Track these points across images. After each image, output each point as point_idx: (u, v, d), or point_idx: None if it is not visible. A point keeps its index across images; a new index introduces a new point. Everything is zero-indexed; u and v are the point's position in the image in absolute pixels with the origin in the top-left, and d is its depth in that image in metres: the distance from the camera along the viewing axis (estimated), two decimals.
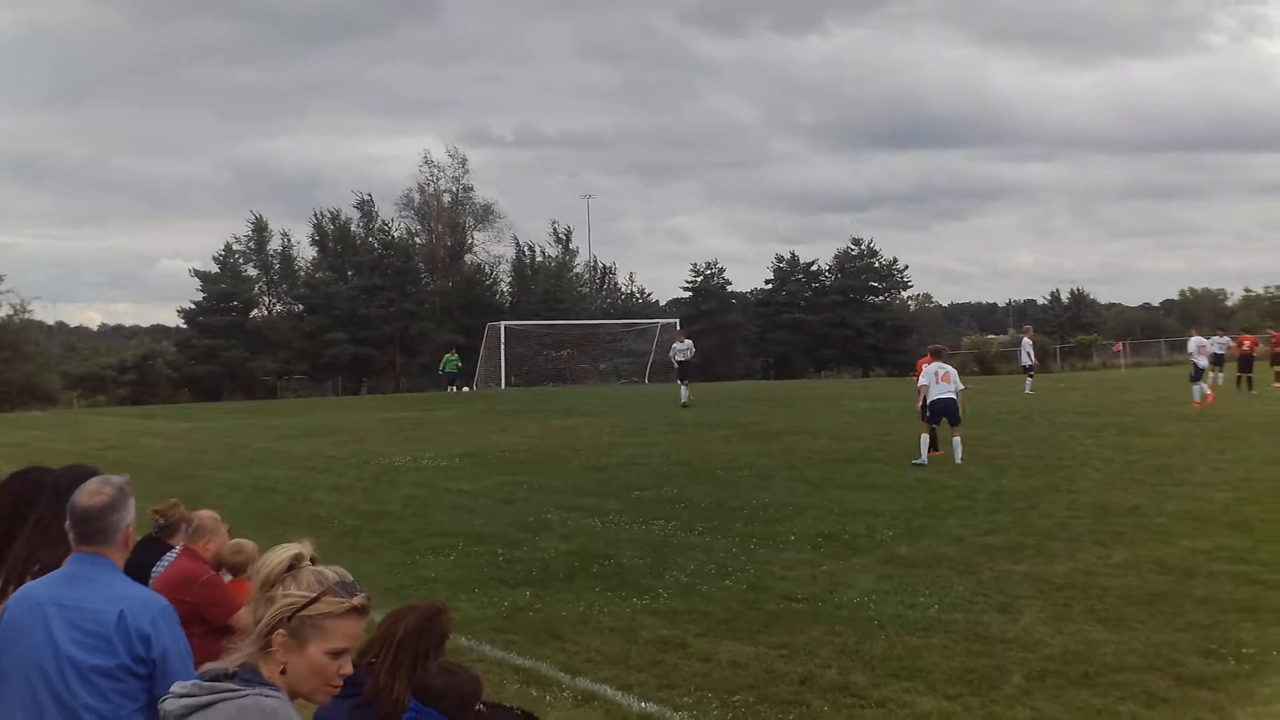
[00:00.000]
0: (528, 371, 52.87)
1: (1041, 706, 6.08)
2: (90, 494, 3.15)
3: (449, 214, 65.81)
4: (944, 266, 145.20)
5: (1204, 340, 26.25)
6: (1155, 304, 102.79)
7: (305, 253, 63.60)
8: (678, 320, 55.30)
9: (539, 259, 67.87)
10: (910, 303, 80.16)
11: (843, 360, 68.72)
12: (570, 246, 69.54)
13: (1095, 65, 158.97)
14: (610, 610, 8.45)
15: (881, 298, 71.99)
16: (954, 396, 16.53)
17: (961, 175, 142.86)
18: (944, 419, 16.53)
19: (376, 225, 64.12)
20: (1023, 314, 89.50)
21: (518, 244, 68.04)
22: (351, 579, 2.31)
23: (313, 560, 2.29)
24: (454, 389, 46.19)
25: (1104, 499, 12.65)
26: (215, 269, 59.33)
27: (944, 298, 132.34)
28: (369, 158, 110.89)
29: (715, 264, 71.77)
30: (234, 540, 5.76)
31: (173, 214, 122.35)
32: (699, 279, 71.07)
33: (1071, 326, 72.08)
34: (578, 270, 70.03)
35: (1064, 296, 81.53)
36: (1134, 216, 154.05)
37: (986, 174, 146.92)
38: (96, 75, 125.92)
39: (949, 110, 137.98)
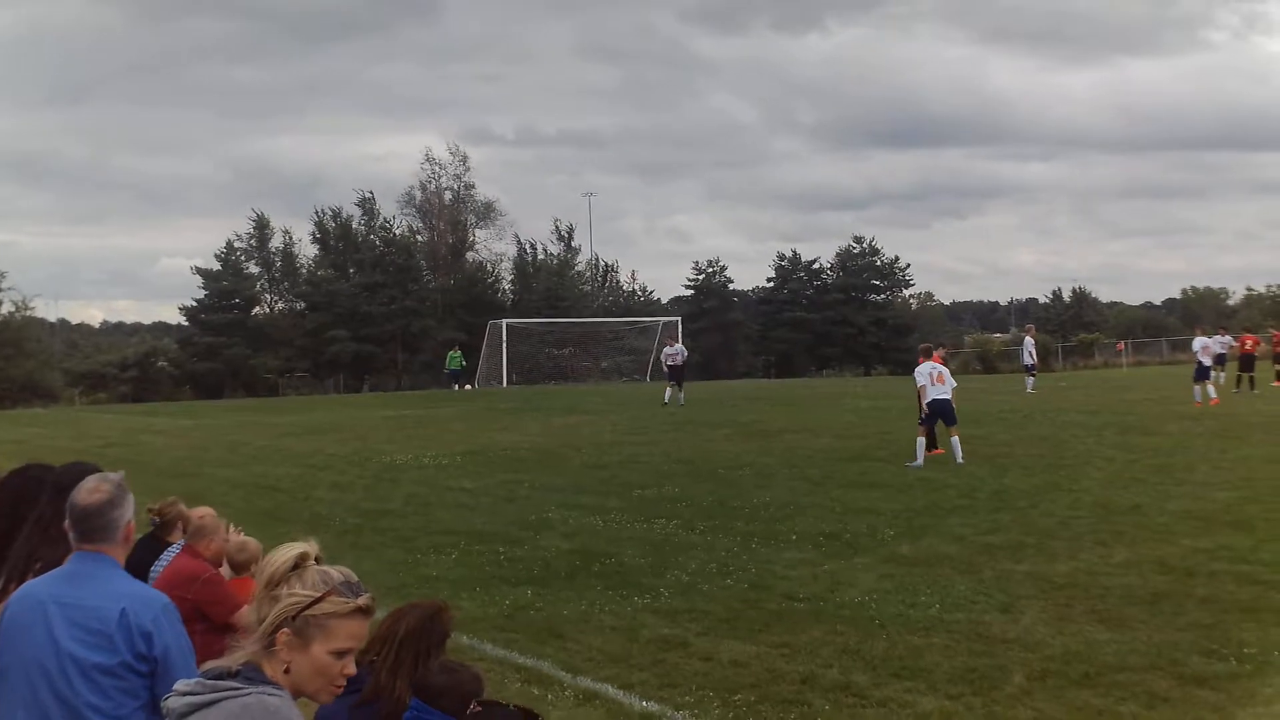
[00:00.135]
0: (529, 369, 52.89)
1: (1043, 706, 6.07)
2: (89, 492, 3.15)
3: (450, 211, 65.78)
4: (945, 265, 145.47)
5: (1208, 340, 26.23)
6: (1157, 303, 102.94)
7: (307, 250, 63.70)
8: (679, 319, 55.36)
9: (541, 257, 67.91)
10: (912, 301, 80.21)
11: (844, 359, 68.72)
12: (572, 245, 69.64)
13: (1095, 64, 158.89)
14: (611, 609, 8.45)
15: (883, 296, 71.97)
16: (949, 397, 16.49)
17: (962, 174, 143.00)
18: (939, 419, 16.50)
19: (378, 223, 64.12)
20: (1024, 313, 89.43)
21: (519, 242, 68.13)
22: (356, 579, 2.31)
23: (317, 560, 2.29)
24: (458, 386, 46.22)
25: (1105, 498, 12.64)
26: (217, 266, 59.36)
27: (945, 296, 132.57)
28: (369, 157, 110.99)
29: (717, 262, 71.98)
30: (238, 538, 5.76)
31: (173, 212, 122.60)
32: (700, 277, 71.13)
33: (1073, 325, 72.05)
34: (579, 268, 70.09)
35: (1066, 295, 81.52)
36: (1135, 216, 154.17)
37: (987, 173, 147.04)
38: (96, 74, 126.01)
39: (949, 109, 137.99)
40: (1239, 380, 28.36)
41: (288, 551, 2.28)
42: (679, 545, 10.77)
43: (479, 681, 3.57)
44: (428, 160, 65.63)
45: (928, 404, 16.45)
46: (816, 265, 71.82)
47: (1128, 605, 8.06)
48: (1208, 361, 25.59)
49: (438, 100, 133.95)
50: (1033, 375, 31.76)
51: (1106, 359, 55.12)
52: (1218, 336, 28.73)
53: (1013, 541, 10.41)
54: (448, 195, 65.95)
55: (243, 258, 61.06)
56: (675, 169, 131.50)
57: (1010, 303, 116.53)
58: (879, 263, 71.02)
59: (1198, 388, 24.96)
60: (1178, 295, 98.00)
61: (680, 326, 53.82)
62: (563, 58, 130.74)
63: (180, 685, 2.28)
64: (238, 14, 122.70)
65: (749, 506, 12.78)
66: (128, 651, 2.97)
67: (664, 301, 71.47)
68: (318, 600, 2.23)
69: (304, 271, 62.90)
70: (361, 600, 2.28)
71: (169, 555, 5.56)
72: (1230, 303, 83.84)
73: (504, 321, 52.09)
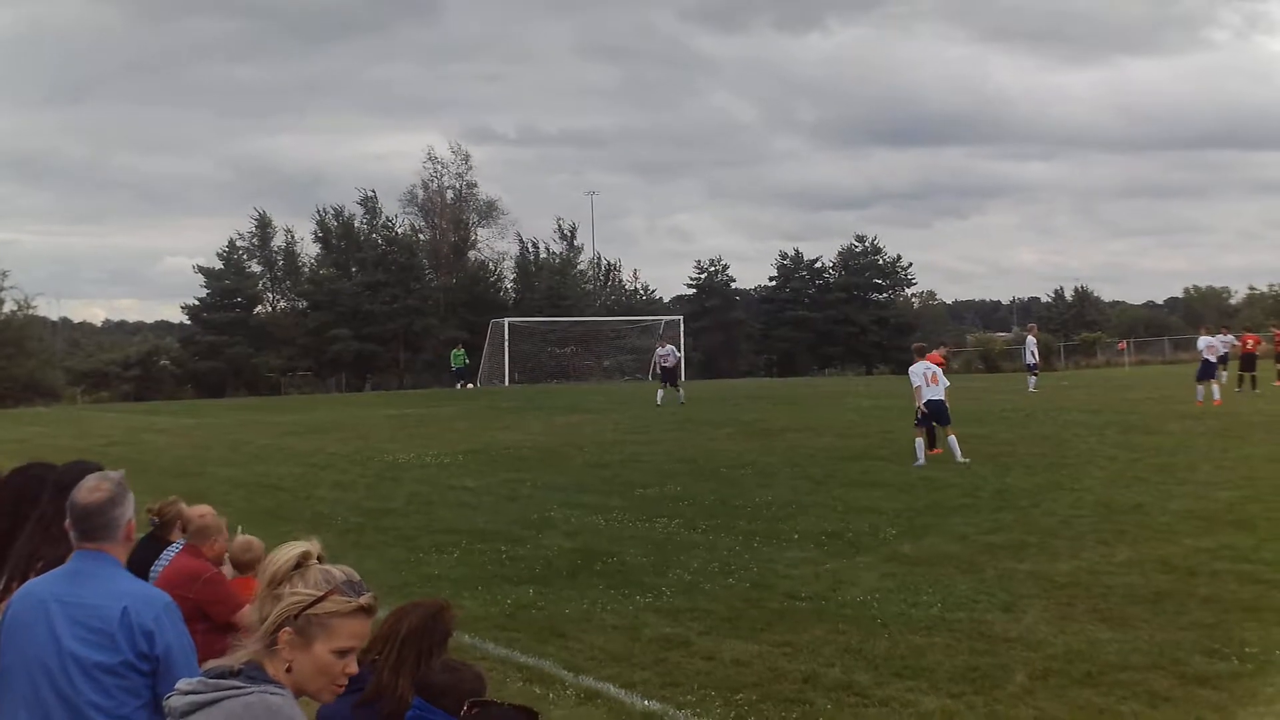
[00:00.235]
0: (531, 368, 52.85)
1: (1045, 705, 6.07)
2: (89, 490, 3.14)
3: (453, 210, 65.75)
4: (947, 264, 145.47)
5: (1212, 339, 26.26)
6: (1159, 302, 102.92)
7: (309, 249, 63.70)
8: (680, 318, 55.37)
9: (543, 256, 67.90)
10: (914, 300, 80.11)
11: (846, 358, 68.67)
12: (575, 243, 69.64)
13: (1096, 64, 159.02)
14: (613, 608, 8.45)
15: (885, 295, 71.93)
16: (943, 397, 16.44)
17: (962, 173, 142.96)
18: (934, 420, 16.44)
19: (380, 221, 64.11)
20: (1027, 312, 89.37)
21: (521, 241, 68.09)
22: (359, 578, 2.31)
23: (320, 559, 2.29)
24: (461, 385, 46.21)
25: (1107, 497, 12.64)
26: (219, 265, 59.38)
27: (948, 295, 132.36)
28: (371, 156, 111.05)
29: (719, 261, 71.93)
30: (243, 538, 5.76)
31: (173, 211, 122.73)
32: (702, 276, 71.12)
33: (1075, 324, 71.93)
34: (582, 267, 70.07)
35: (1068, 294, 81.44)
36: (1136, 215, 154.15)
37: (987, 172, 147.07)
38: (96, 73, 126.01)
39: (950, 108, 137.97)
40: (1241, 380, 28.34)
41: (290, 550, 2.28)
42: (681, 544, 10.77)
43: (481, 680, 3.57)
44: (430, 159, 65.62)
45: (923, 405, 16.40)
46: (818, 264, 71.82)
47: (1130, 604, 8.06)
48: (1213, 360, 25.58)
49: (438, 99, 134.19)
50: (1035, 374, 31.73)
51: (1109, 358, 55.06)
52: (1221, 335, 28.71)
53: (1015, 541, 10.41)
54: (450, 194, 65.96)
55: (245, 256, 61.08)
56: (676, 168, 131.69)
57: (1012, 302, 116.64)
58: (881, 262, 70.98)
59: (1200, 386, 24.93)
60: (1180, 294, 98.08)
61: (682, 325, 53.87)
62: (563, 57, 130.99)
63: (182, 684, 2.28)
64: (238, 13, 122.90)
65: (751, 505, 12.78)
66: (129, 650, 2.97)
67: (666, 301, 71.48)
68: (320, 599, 2.22)
69: (306, 270, 62.91)
70: (364, 599, 2.28)
71: (170, 554, 5.56)
72: (1232, 302, 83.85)
73: (506, 320, 52.08)
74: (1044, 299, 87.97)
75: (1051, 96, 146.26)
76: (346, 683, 2.31)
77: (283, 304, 63.46)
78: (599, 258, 72.47)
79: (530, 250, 67.50)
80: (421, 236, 65.48)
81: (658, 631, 7.76)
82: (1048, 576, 8.95)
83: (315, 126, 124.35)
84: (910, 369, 17.02)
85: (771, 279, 72.70)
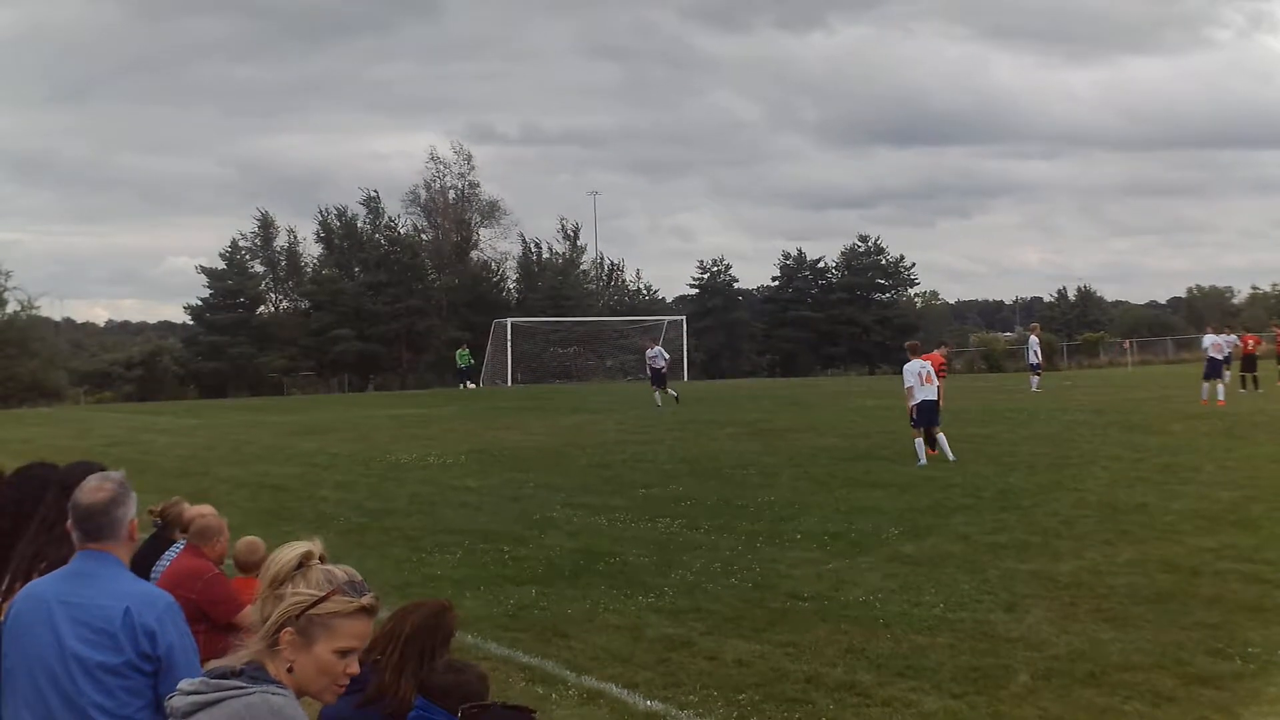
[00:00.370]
0: (534, 368, 52.88)
1: (1048, 706, 6.07)
2: (91, 490, 3.14)
3: (455, 210, 65.82)
4: (950, 264, 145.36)
5: (1217, 338, 26.23)
6: (1162, 301, 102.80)
7: (311, 249, 63.80)
8: (683, 318, 55.38)
9: (545, 256, 67.93)
10: (917, 300, 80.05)
11: (849, 358, 68.64)
12: (578, 243, 69.64)
13: (1098, 62, 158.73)
14: (616, 608, 8.44)
15: (888, 295, 71.91)
16: (935, 398, 16.34)
17: (965, 172, 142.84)
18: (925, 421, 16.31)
19: (383, 222, 64.19)
20: (1029, 311, 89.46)
21: (524, 241, 68.14)
22: (360, 578, 2.31)
23: (322, 559, 2.29)
24: (464, 385, 46.21)
25: (1110, 497, 12.62)
26: (222, 265, 59.45)
27: (950, 295, 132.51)
28: (373, 155, 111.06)
29: (721, 260, 71.98)
30: (247, 539, 5.77)
31: (175, 211, 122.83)
32: (705, 276, 71.13)
33: (1078, 324, 71.95)
34: (584, 267, 70.08)
35: (1071, 294, 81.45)
36: (1139, 214, 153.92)
37: (990, 171, 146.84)
38: (98, 73, 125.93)
39: (952, 107, 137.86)
40: (1243, 380, 28.31)
41: (292, 550, 2.28)
42: (683, 544, 10.77)
43: (484, 681, 3.57)
44: (432, 159, 65.83)
45: (915, 405, 16.24)
46: (821, 264, 71.86)
47: (1133, 604, 8.05)
48: (1219, 358, 25.55)
49: (440, 99, 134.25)
50: (1038, 374, 31.73)
51: (1111, 358, 54.98)
52: (1225, 335, 28.70)
53: (1017, 541, 10.40)
54: (452, 194, 66.06)
55: (247, 257, 61.20)
56: (678, 167, 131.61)
57: (1015, 301, 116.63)
58: (884, 261, 70.98)
59: (1206, 385, 24.91)
60: (1183, 294, 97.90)
61: (684, 325, 53.88)
62: (564, 56, 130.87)
63: (184, 684, 2.28)
64: (239, 13, 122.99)
65: (753, 506, 12.78)
66: (132, 650, 2.97)
67: (668, 300, 71.51)
68: (322, 599, 2.22)
69: (309, 270, 63.00)
70: (365, 599, 2.28)
71: (171, 554, 5.57)
72: (1235, 301, 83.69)
73: (509, 320, 52.13)
74: (1047, 299, 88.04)
75: (1054, 95, 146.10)
76: (348, 683, 2.31)
77: (285, 304, 63.60)
78: (602, 258, 72.62)
79: (533, 250, 67.62)
80: (424, 236, 65.58)
81: (660, 632, 7.76)
82: (1050, 576, 8.95)
83: (317, 126, 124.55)
84: (905, 367, 16.73)
85: (774, 279, 72.81)
